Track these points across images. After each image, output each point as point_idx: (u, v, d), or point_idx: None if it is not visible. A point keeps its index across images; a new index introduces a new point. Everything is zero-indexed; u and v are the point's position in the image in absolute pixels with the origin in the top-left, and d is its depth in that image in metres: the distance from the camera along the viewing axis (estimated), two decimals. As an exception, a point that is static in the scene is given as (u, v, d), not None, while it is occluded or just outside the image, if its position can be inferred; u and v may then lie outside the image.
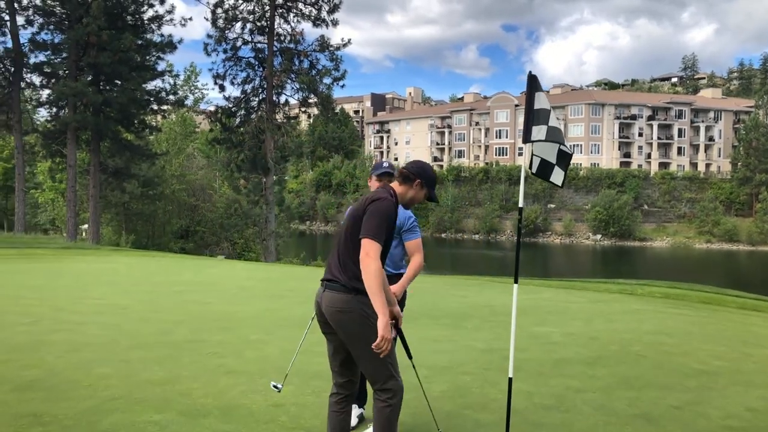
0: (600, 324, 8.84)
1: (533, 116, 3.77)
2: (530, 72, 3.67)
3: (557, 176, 3.96)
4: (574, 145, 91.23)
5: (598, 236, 79.48)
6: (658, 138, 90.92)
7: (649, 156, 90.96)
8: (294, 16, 32.97)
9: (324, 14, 32.68)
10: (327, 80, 32.61)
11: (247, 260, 36.46)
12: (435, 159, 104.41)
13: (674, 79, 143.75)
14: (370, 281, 3.17)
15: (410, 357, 3.82)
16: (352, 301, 3.34)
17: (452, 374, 5.89)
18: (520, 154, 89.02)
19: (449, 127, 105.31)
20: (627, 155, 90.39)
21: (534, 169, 4.02)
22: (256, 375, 5.74)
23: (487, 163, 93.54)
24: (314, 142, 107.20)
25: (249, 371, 5.89)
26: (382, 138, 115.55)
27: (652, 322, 9.27)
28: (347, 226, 3.50)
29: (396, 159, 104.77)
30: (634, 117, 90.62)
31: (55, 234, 37.40)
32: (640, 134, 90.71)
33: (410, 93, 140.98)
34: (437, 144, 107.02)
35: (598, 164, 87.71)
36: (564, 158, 3.96)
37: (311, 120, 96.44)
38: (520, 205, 3.83)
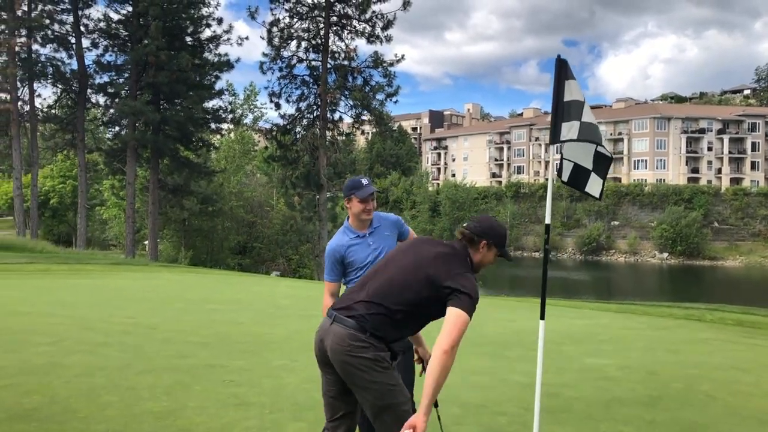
0: (662, 355, 7.92)
1: (563, 110, 3.02)
2: (559, 56, 2.98)
3: (594, 186, 3.17)
4: (638, 161, 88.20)
5: (665, 255, 76.04)
6: (730, 152, 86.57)
7: (719, 171, 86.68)
8: (348, 33, 32.94)
9: (378, 30, 32.51)
10: (380, 96, 32.37)
11: (301, 277, 36.46)
12: (493, 175, 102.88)
13: (747, 92, 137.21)
14: (441, 375, 2.68)
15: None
16: (367, 341, 2.77)
17: (486, 414, 5.21)
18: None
19: (508, 142, 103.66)
20: (695, 170, 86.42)
21: (565, 177, 3.32)
22: (268, 408, 5.22)
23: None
24: (372, 159, 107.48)
25: (261, 403, 5.38)
26: (439, 154, 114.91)
27: (724, 354, 8.25)
28: (404, 265, 2.91)
29: (453, 175, 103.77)
30: (702, 131, 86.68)
31: (118, 249, 38.36)
32: (710, 148, 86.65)
33: (469, 109, 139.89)
34: (496, 160, 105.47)
35: (663, 180, 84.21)
36: (602, 163, 3.16)
37: (369, 137, 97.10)
38: (547, 221, 3.18)
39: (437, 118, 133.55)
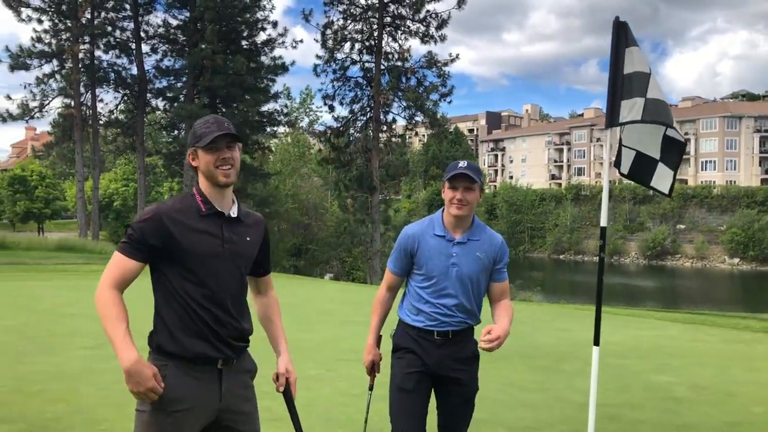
0: (739, 374, 7.13)
1: (622, 85, 2.40)
2: (617, 18, 2.38)
3: (662, 179, 2.54)
4: (705, 162, 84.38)
5: (736, 260, 72.27)
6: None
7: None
8: (402, 34, 32.56)
9: (432, 30, 32.02)
10: (434, 96, 31.84)
11: (354, 279, 36.28)
12: (552, 177, 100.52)
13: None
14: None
15: None
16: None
17: (536, 439, 4.66)
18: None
19: (568, 143, 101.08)
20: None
21: (624, 169, 2.74)
22: (297, 424, 4.82)
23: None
24: (427, 161, 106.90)
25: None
26: (496, 156, 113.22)
27: (810, 373, 7.39)
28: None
29: (511, 177, 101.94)
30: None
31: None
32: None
33: (527, 110, 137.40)
34: (555, 161, 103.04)
35: (734, 181, 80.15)
36: (673, 150, 2.53)
37: (425, 139, 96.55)
38: (602, 224, 2.62)
39: (494, 120, 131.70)
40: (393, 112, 33.28)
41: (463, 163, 2.86)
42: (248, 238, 2.46)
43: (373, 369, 3.20)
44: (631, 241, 79.75)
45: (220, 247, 2.34)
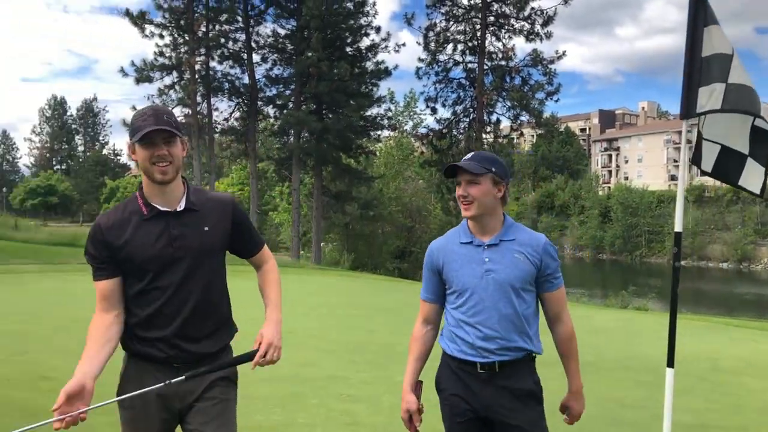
0: None
1: (699, 69, 2.09)
2: None
3: (753, 176, 2.18)
4: None
5: None
6: None
7: None
8: (506, 32, 31.90)
9: (537, 27, 31.11)
10: (539, 95, 30.91)
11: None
12: (672, 177, 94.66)
13: None
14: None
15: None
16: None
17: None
18: (779, 170, 76.42)
19: (689, 142, 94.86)
20: None
21: (707, 166, 2.41)
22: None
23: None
24: (536, 162, 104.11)
25: (374, 425, 4.96)
26: (610, 156, 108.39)
27: None
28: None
29: (626, 178, 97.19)
30: None
31: (287, 252, 40.57)
32: None
33: (643, 108, 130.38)
34: (674, 161, 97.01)
35: None
36: (763, 143, 2.17)
37: (534, 140, 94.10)
38: (677, 228, 2.32)
39: (608, 118, 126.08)
40: (497, 113, 32.69)
41: (468, 155, 2.49)
42: (206, 228, 2.24)
43: (411, 421, 2.61)
44: (763, 246, 73.51)
45: (169, 247, 2.17)
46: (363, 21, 32.83)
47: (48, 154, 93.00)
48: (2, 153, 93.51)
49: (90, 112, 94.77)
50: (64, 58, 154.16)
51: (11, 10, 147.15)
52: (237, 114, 34.25)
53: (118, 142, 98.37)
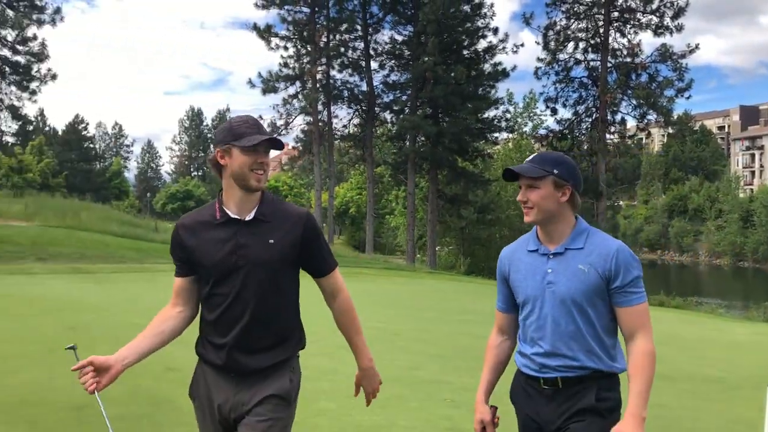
0: None
1: None
2: None
3: None
4: None
5: None
6: None
7: None
8: (631, 28, 30.38)
9: (667, 20, 29.37)
10: (669, 92, 29.13)
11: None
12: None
13: None
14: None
15: None
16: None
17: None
18: None
19: None
20: None
21: None
22: (479, 439, 4.71)
23: None
24: (668, 163, 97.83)
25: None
26: (752, 155, 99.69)
27: None
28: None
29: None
30: None
31: (403, 255, 41.07)
32: None
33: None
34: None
35: None
36: None
37: (664, 139, 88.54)
38: None
39: (750, 114, 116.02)
40: (622, 112, 31.25)
41: (530, 157, 2.30)
42: (271, 240, 2.21)
43: None
44: None
45: (233, 255, 2.18)
46: (480, 23, 32.62)
47: (186, 162, 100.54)
48: (147, 161, 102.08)
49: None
50: (200, 71, 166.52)
51: (155, 30, 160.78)
52: (355, 120, 35.21)
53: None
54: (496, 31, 32.84)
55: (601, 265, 2.16)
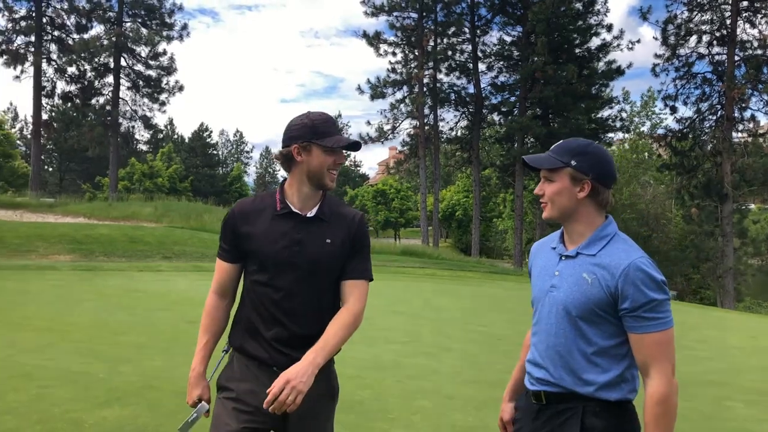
0: None
1: None
2: None
3: None
4: None
5: None
6: None
7: None
8: (762, 18, 28.11)
9: (804, 7, 26.91)
10: (809, 84, 26.63)
11: (702, 299, 32.40)
12: None
13: None
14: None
15: None
16: None
17: None
18: None
19: None
20: None
21: None
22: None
23: None
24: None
25: None
26: None
27: None
28: None
29: None
30: None
31: (510, 260, 40.36)
32: None
33: None
34: None
35: None
36: None
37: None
38: None
39: None
40: (751, 108, 28.99)
41: (554, 146, 2.04)
42: (328, 240, 2.20)
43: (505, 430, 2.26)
44: None
45: (289, 249, 2.16)
46: (593, 20, 31.48)
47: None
48: (265, 166, 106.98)
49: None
50: (314, 79, 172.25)
51: (273, 41, 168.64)
52: (462, 123, 35.11)
53: (358, 154, 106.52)
54: (610, 27, 31.58)
55: (607, 279, 1.87)
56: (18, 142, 64.55)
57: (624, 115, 38.23)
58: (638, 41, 32.65)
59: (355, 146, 2.23)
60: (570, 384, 1.92)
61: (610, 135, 34.39)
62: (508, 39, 33.93)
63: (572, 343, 1.92)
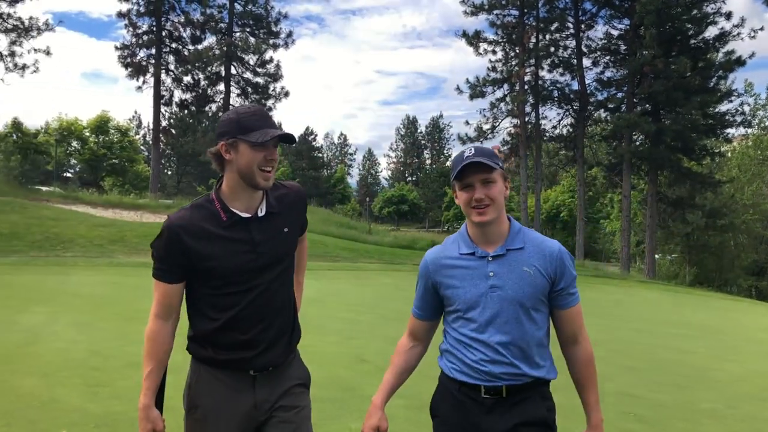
0: None
1: None
2: None
3: None
4: None
5: None
6: None
7: None
8: None
9: None
10: None
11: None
12: None
13: None
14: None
15: None
16: None
17: None
18: None
19: None
20: None
21: None
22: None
23: None
24: None
25: None
26: None
27: None
28: None
29: None
30: None
31: (617, 263, 38.70)
32: None
33: None
34: None
35: None
36: None
37: None
38: None
39: None
40: None
41: (469, 151, 2.05)
42: (285, 229, 2.11)
43: None
44: None
45: (253, 255, 2.03)
46: (709, 8, 29.51)
47: (401, 168, 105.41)
48: (368, 168, 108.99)
49: (436, 129, 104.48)
50: (416, 80, 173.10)
51: (376, 45, 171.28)
52: (566, 121, 34.07)
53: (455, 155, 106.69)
54: (729, 15, 29.46)
55: (545, 266, 2.03)
56: (141, 147, 69.57)
57: (747, 108, 35.58)
58: (761, 29, 30.03)
59: (287, 139, 2.01)
60: (532, 371, 2.03)
61: (729, 130, 32.11)
62: (614, 32, 32.59)
63: (529, 332, 2.03)
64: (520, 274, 2.02)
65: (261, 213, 2.07)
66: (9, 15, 31.26)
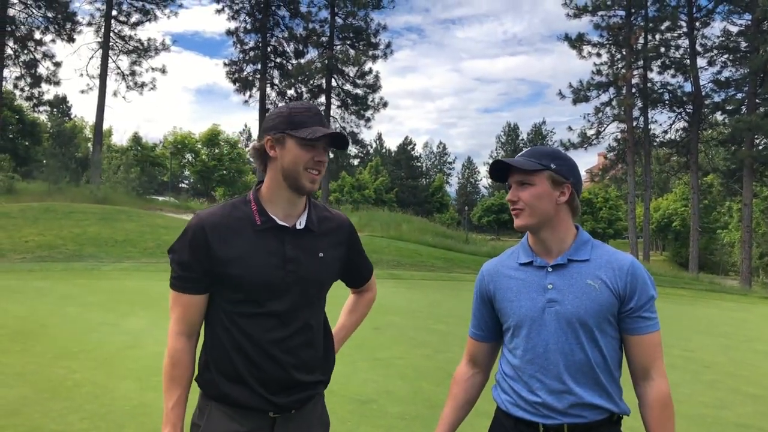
0: None
1: None
2: None
3: None
4: None
5: None
6: None
7: None
8: None
9: None
10: None
11: None
12: None
13: None
14: None
15: None
16: None
17: None
18: None
19: None
20: None
21: None
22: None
23: None
24: None
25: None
26: None
27: None
28: None
29: None
30: None
31: (736, 276, 35.84)
32: None
33: None
34: None
35: None
36: None
37: None
38: None
39: None
40: None
41: (523, 151, 1.87)
42: (321, 254, 1.87)
43: None
44: None
45: (281, 271, 1.79)
46: None
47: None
48: (467, 176, 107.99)
49: (539, 135, 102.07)
50: (517, 87, 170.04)
51: (476, 53, 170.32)
52: (678, 125, 32.10)
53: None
54: None
55: (614, 280, 1.76)
56: (249, 158, 72.73)
57: None
58: None
59: (340, 140, 1.83)
60: (601, 401, 1.77)
61: None
62: (733, 29, 30.37)
63: (592, 356, 1.76)
64: (583, 288, 1.77)
65: (300, 225, 1.85)
66: (131, 37, 33.76)
